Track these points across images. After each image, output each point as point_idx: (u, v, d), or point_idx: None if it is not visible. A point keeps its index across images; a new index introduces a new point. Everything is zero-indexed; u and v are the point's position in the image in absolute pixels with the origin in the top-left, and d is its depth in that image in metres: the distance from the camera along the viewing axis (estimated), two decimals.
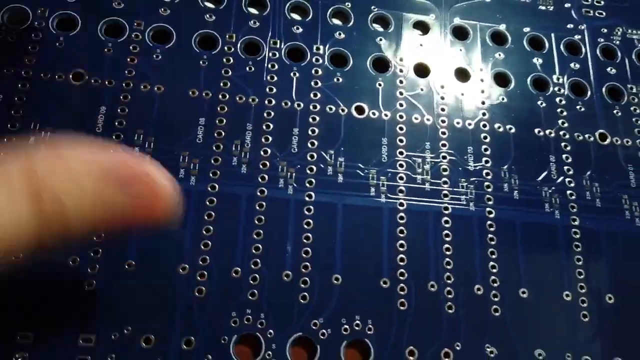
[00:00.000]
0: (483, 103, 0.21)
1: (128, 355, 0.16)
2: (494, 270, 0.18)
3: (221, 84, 0.19)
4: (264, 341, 0.16)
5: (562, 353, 0.18)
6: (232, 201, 0.18)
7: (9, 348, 0.15)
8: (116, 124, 0.18)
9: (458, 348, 0.17)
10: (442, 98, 0.20)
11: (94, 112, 0.18)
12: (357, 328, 0.17)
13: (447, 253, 0.18)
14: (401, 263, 0.18)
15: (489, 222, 0.19)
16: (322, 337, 0.17)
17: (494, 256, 0.18)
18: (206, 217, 0.17)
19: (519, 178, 0.20)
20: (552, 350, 0.18)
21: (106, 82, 0.19)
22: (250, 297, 0.17)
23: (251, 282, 0.17)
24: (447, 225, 0.19)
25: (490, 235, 0.19)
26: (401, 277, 0.18)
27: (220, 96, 0.19)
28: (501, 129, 0.20)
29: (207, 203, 0.18)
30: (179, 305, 0.16)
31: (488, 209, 0.19)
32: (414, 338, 0.17)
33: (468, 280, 0.18)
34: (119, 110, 0.18)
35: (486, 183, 0.19)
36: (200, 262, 0.17)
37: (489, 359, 0.17)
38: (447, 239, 0.18)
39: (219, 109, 0.19)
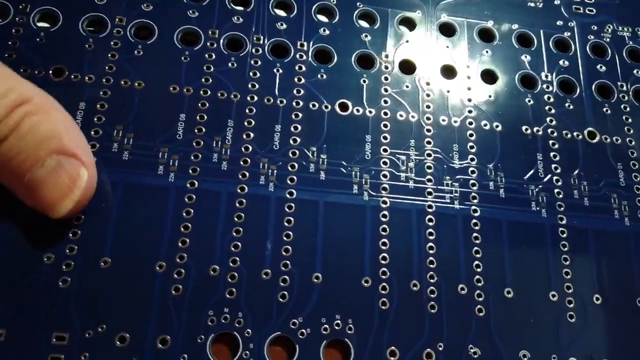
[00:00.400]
0: (469, 100, 0.20)
1: (102, 354, 0.15)
2: (479, 270, 0.18)
3: (203, 80, 0.19)
4: (241, 340, 0.16)
5: (548, 355, 0.17)
6: (212, 198, 0.18)
7: None
8: (95, 119, 0.18)
9: (440, 348, 0.17)
10: (428, 95, 0.20)
11: (73, 108, 0.18)
12: (337, 327, 0.17)
13: (431, 252, 0.18)
14: (383, 262, 0.18)
15: (474, 221, 0.18)
16: (301, 336, 0.16)
17: (478, 255, 0.18)
18: (185, 214, 0.17)
19: (505, 176, 0.19)
20: (537, 352, 0.17)
21: (86, 78, 0.18)
22: (228, 296, 0.16)
23: (229, 280, 0.17)
24: (431, 224, 0.18)
25: (475, 234, 0.18)
26: (383, 276, 0.17)
27: (201, 92, 0.19)
28: (487, 127, 0.20)
29: (187, 200, 0.17)
30: (155, 303, 0.16)
31: (473, 208, 0.19)
32: (395, 338, 0.17)
33: (452, 279, 0.18)
34: (98, 106, 0.18)
35: (472, 181, 0.19)
36: (178, 260, 0.17)
37: None
38: (431, 237, 0.18)
39: (200, 105, 0.19)
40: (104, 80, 0.18)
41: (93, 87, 0.18)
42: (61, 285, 0.16)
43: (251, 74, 0.19)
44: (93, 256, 0.16)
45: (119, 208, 0.17)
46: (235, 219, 0.17)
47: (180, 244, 0.17)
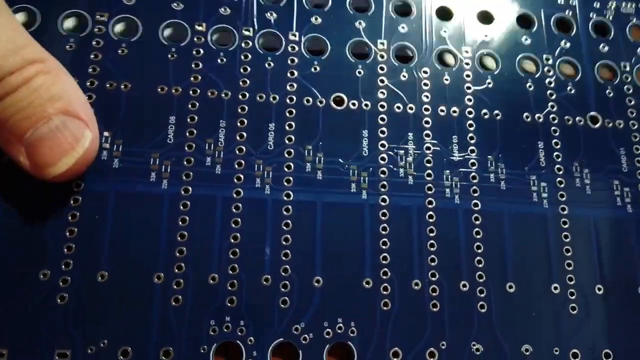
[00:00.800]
0: (468, 88, 0.20)
1: None
2: (480, 265, 0.18)
3: (192, 79, 0.18)
4: (244, 349, 0.16)
5: (550, 348, 0.17)
6: (207, 204, 0.17)
7: None
8: None
9: (443, 347, 0.17)
10: (426, 85, 0.19)
11: None
12: (339, 331, 0.17)
13: (432, 249, 0.18)
14: (384, 262, 0.17)
15: (475, 215, 0.18)
16: (304, 341, 0.16)
17: (480, 250, 0.18)
18: (180, 222, 0.17)
19: (506, 167, 0.19)
20: (539, 345, 0.17)
21: None
22: (228, 304, 0.16)
23: (229, 288, 0.16)
24: (431, 220, 0.18)
25: (476, 229, 0.18)
26: (384, 277, 0.17)
27: (191, 92, 0.18)
28: (488, 116, 0.19)
29: (181, 207, 0.17)
30: (156, 315, 0.16)
31: (474, 201, 0.18)
32: (398, 338, 0.17)
33: (453, 276, 0.18)
34: None
35: (472, 174, 0.19)
36: (176, 270, 0.16)
37: (474, 357, 0.17)
38: (432, 234, 0.18)
39: (190, 105, 0.18)
40: (87, 83, 0.18)
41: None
42: (59, 302, 0.16)
43: (242, 69, 0.18)
44: (90, 270, 0.16)
45: (112, 219, 0.17)
46: (232, 224, 0.17)
47: (177, 254, 0.17)
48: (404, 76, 0.19)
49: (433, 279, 0.17)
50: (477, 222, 0.18)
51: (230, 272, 0.17)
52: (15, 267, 0.16)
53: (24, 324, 0.15)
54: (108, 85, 0.18)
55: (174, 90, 0.18)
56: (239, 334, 0.16)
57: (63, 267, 0.16)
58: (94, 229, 0.16)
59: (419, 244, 0.18)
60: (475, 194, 0.18)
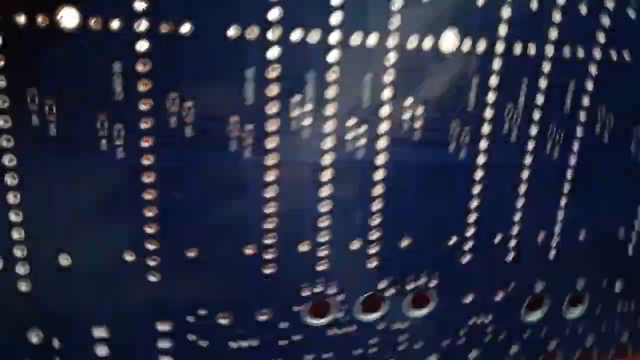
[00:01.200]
0: (609, 23, 0.16)
1: (207, 334, 0.16)
2: (563, 223, 0.18)
3: (270, 15, 0.14)
4: (334, 305, 0.17)
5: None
6: (295, 171, 0.15)
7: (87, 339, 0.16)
8: (141, 87, 0.14)
9: (510, 288, 0.18)
10: (558, 17, 0.15)
11: (104, 71, 0.13)
12: (421, 283, 0.17)
13: (522, 208, 0.17)
14: (471, 221, 0.17)
15: (572, 173, 0.17)
16: (388, 293, 0.17)
17: (568, 208, 0.18)
18: (269, 193, 0.15)
19: (615, 121, 0.17)
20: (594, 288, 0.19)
21: (111, 25, 0.13)
22: (320, 268, 0.16)
23: (320, 254, 0.16)
24: (529, 181, 0.17)
25: (569, 186, 0.17)
26: (469, 234, 0.17)
27: (270, 35, 0.14)
28: (618, 57, 0.16)
29: (268, 178, 0.15)
30: (250, 286, 0.16)
31: (574, 159, 0.17)
32: (474, 288, 0.18)
33: (536, 231, 0.18)
34: (139, 66, 0.14)
35: (579, 129, 0.17)
36: (267, 241, 0.16)
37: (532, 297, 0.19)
38: (524, 194, 0.17)
39: (269, 54, 0.14)
40: (137, 25, 0.13)
41: (125, 37, 0.13)
42: (152, 279, 0.15)
43: (332, 2, 0.14)
44: (178, 247, 0.15)
45: (193, 195, 0.15)
46: (322, 192, 0.16)
47: (267, 225, 0.16)
48: (536, 4, 0.15)
49: (513, 232, 0.18)
50: (572, 180, 0.17)
51: (321, 239, 0.16)
52: (101, 251, 0.15)
53: (123, 301, 0.15)
54: (165, 28, 0.13)
55: (248, 34, 0.14)
56: (329, 292, 0.17)
57: (150, 247, 0.15)
58: (174, 206, 0.15)
59: (510, 202, 0.17)
60: (577, 150, 0.17)
